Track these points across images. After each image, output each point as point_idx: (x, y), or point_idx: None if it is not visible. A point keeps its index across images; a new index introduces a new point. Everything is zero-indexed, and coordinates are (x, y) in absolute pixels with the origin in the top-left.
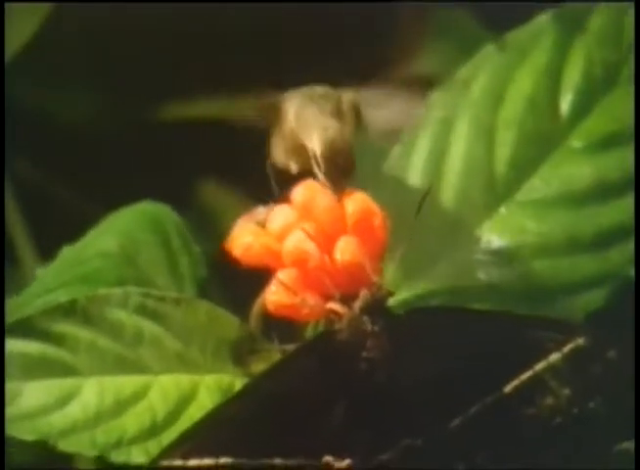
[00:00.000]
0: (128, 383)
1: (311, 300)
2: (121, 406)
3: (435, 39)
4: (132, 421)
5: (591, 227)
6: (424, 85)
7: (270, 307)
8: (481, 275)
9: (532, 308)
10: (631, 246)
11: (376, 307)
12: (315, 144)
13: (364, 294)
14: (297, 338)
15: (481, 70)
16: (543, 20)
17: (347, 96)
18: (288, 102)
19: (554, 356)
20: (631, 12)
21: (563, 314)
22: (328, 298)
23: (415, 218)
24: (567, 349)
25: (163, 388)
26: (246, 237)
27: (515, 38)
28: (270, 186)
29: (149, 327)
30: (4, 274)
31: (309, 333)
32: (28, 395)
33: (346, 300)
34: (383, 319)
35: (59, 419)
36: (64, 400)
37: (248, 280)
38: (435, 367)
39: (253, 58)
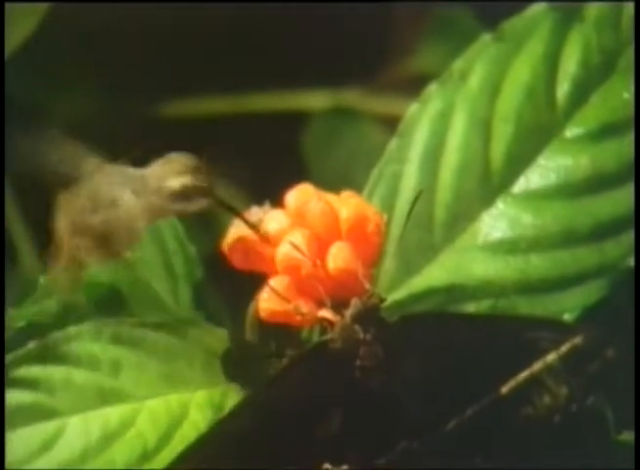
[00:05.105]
0: (113, 413)
1: (304, 307)
2: (109, 438)
3: (435, 37)
4: (121, 451)
5: (588, 219)
6: (423, 84)
7: (262, 314)
8: (478, 269)
9: (530, 302)
10: (628, 237)
11: (367, 316)
12: None
13: (355, 302)
14: (295, 340)
15: (478, 61)
16: (539, 8)
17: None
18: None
19: (551, 356)
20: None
21: (560, 307)
22: (321, 304)
23: (407, 219)
24: (563, 348)
25: (152, 412)
26: (240, 242)
27: (510, 28)
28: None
29: (126, 355)
30: (4, 274)
31: (305, 335)
32: (12, 445)
33: (339, 306)
34: (374, 327)
35: (45, 464)
36: (48, 444)
37: (246, 280)
38: (431, 371)
39: (254, 57)
